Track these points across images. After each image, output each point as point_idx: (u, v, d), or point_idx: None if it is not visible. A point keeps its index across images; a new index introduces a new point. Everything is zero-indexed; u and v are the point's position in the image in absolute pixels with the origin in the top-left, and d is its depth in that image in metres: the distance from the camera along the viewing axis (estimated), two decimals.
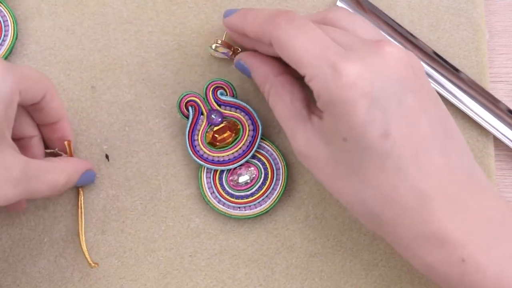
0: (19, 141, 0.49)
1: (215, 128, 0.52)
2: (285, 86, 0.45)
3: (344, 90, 0.38)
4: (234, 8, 0.50)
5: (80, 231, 0.51)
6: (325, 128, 0.41)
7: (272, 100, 0.46)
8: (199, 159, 0.52)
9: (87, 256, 0.49)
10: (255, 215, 0.52)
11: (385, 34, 0.54)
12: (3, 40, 0.53)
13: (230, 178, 0.53)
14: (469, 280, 0.38)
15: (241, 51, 0.54)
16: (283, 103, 0.45)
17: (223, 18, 0.50)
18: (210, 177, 0.52)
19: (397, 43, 0.54)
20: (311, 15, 0.47)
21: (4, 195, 0.40)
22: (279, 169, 0.53)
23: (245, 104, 0.53)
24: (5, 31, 0.53)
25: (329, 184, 0.43)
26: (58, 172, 0.45)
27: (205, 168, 0.52)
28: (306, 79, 0.41)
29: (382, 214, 0.40)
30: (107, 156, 0.53)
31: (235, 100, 0.53)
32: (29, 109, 0.48)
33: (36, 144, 0.50)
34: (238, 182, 0.53)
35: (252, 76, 0.49)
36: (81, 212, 0.51)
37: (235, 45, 0.54)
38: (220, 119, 0.52)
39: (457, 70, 0.54)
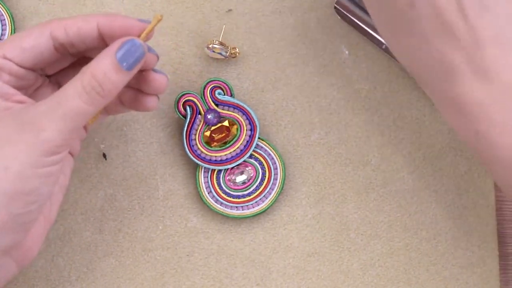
0: None
1: (213, 128, 0.52)
2: None
3: None
4: None
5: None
6: None
7: None
8: (196, 158, 0.52)
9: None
10: (252, 215, 0.52)
11: None
12: (0, 39, 0.53)
13: (228, 177, 0.53)
14: (481, 152, 0.37)
15: (238, 52, 0.54)
16: None
17: None
18: (207, 177, 0.53)
19: None
20: None
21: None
22: (277, 168, 0.53)
23: (242, 104, 0.53)
24: (2, 30, 0.53)
25: None
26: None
27: (203, 168, 0.52)
28: None
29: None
30: (104, 156, 0.53)
31: (232, 99, 0.53)
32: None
33: None
34: (235, 182, 0.53)
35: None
36: None
37: (232, 45, 0.54)
38: (217, 119, 0.52)
39: None
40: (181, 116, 0.52)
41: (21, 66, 0.40)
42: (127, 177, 0.53)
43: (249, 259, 0.53)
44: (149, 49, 0.41)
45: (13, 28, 0.53)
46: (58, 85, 0.44)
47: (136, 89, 0.44)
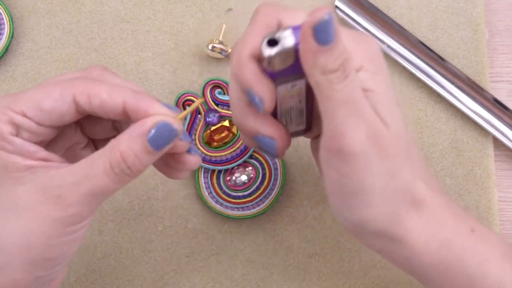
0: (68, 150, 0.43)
1: (213, 128, 0.52)
2: None
3: None
4: None
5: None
6: None
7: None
8: None
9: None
10: (252, 216, 0.52)
11: (384, 35, 0.54)
12: None
13: (228, 178, 0.52)
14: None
15: None
16: None
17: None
18: (207, 177, 0.52)
19: (397, 44, 0.54)
20: None
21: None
22: (277, 169, 0.52)
23: None
24: (0, 29, 0.53)
25: None
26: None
27: (203, 168, 0.52)
28: None
29: None
30: None
31: None
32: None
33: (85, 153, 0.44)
34: (235, 182, 0.52)
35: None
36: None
37: (232, 45, 0.53)
38: (217, 119, 0.52)
39: (443, 59, 0.54)
40: None
41: (40, 125, 0.38)
42: None
43: (249, 260, 0.52)
44: (183, 137, 0.39)
45: (11, 27, 0.53)
46: (80, 125, 0.43)
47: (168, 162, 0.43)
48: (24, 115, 0.37)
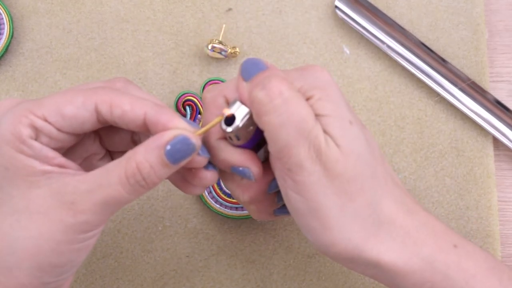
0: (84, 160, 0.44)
1: None
2: None
3: None
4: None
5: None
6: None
7: None
8: None
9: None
10: None
11: (384, 35, 0.54)
12: None
13: None
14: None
15: (238, 51, 0.53)
16: None
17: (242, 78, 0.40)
18: None
19: (397, 44, 0.54)
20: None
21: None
22: None
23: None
24: (0, 29, 0.53)
25: None
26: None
27: None
28: None
29: None
30: None
31: None
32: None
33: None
34: None
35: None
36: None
37: (232, 45, 0.53)
38: None
39: (443, 59, 0.54)
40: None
41: (60, 131, 0.38)
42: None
43: (249, 260, 0.52)
44: (201, 152, 0.39)
45: (11, 27, 0.53)
46: (99, 136, 0.43)
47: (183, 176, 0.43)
48: (45, 120, 0.37)
